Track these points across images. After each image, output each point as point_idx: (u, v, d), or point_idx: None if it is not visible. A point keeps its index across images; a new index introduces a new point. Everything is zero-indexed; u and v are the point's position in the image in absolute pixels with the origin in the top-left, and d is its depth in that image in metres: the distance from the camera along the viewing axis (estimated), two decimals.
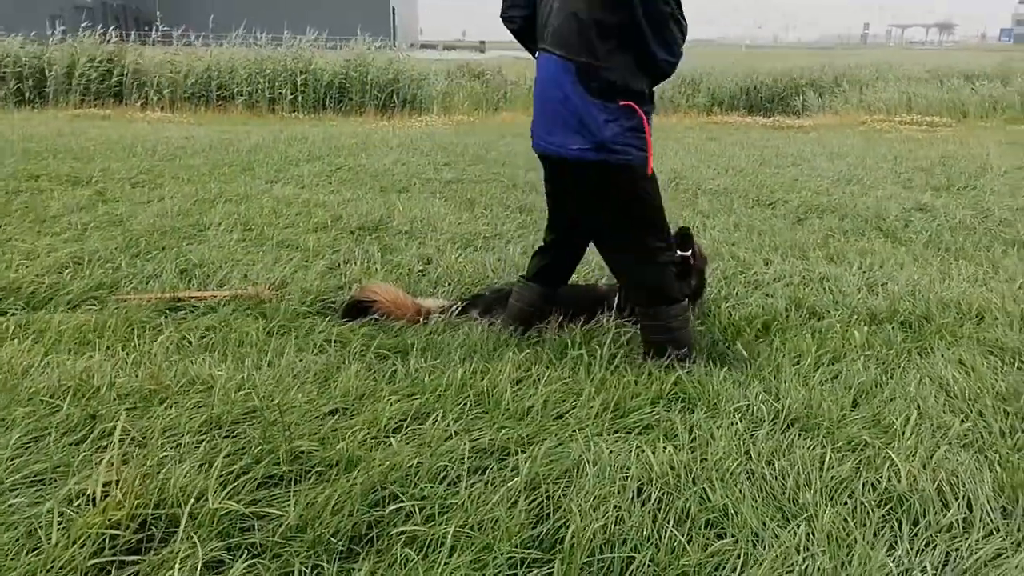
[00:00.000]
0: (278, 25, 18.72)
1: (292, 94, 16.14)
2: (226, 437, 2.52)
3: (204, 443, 2.46)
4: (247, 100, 16.07)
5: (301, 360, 3.13)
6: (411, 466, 2.34)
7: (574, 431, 2.60)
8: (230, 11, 29.39)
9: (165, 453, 2.37)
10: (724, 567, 1.98)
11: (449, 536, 2.02)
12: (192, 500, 2.08)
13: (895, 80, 19.61)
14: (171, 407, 2.69)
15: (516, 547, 2.03)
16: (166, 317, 3.64)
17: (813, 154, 9.78)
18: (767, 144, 11.14)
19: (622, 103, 2.95)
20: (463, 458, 2.38)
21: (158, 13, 21.78)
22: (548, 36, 3.02)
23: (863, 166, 8.66)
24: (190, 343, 3.33)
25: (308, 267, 4.40)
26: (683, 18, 2.98)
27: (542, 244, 3.52)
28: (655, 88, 3.12)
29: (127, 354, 3.14)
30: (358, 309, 3.65)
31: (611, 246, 3.27)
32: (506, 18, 3.27)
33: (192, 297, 3.88)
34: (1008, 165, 8.67)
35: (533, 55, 3.24)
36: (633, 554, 2.01)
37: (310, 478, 2.31)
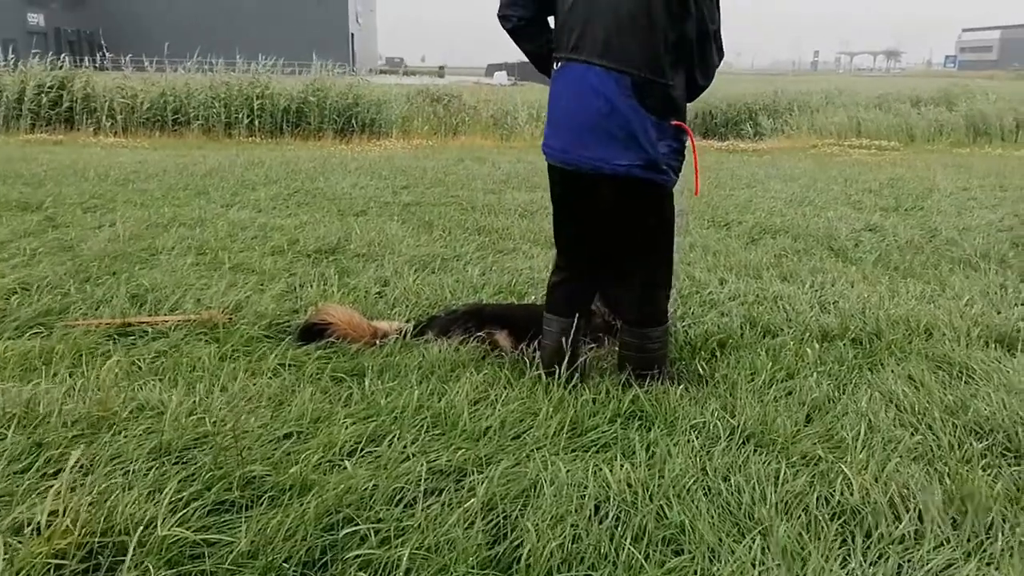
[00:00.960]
0: (235, 51, 18.61)
1: (249, 118, 16.01)
2: (176, 463, 2.47)
3: (153, 470, 2.40)
4: (203, 125, 15.90)
5: (255, 384, 3.08)
6: (366, 489, 2.31)
7: (532, 451, 2.59)
8: (185, 37, 29.22)
9: (113, 480, 2.31)
10: None
11: (405, 559, 1.99)
12: (141, 528, 2.03)
13: (844, 105, 20.13)
14: (120, 434, 2.62)
15: (473, 568, 2.01)
16: (115, 343, 3.56)
17: (766, 176, 9.97)
18: (722, 167, 11.33)
19: (674, 122, 2.92)
20: (419, 480, 2.36)
21: (102, 42, 21.56)
22: (587, 45, 2.86)
23: (814, 188, 8.85)
24: (140, 369, 3.25)
25: (263, 291, 4.34)
26: (722, 43, 2.95)
27: (556, 277, 3.32)
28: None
29: (75, 381, 3.06)
30: (314, 332, 3.61)
31: (624, 266, 3.19)
32: (502, 16, 3.11)
33: (143, 322, 3.80)
34: (953, 187, 8.92)
35: (529, 54, 3.16)
36: (591, 572, 2.01)
37: (262, 503, 2.26)
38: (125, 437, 2.59)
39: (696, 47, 2.86)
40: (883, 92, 21.98)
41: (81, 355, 3.35)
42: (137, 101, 15.91)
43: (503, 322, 3.63)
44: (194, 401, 2.87)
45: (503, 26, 3.15)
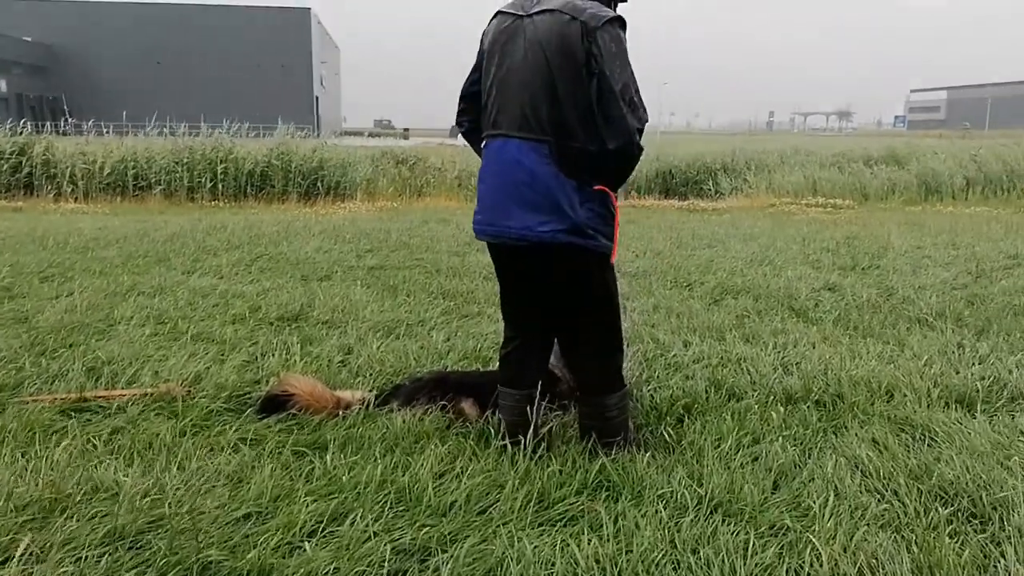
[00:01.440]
0: (198, 116, 18.68)
1: (212, 182, 15.99)
2: (130, 549, 2.38)
3: (106, 556, 2.32)
4: (165, 189, 15.84)
5: (213, 462, 3.00)
6: (327, 572, 2.24)
7: (498, 526, 2.55)
8: (149, 102, 29.28)
9: (64, 569, 2.22)
10: None
11: None
12: None
13: (800, 164, 20.67)
14: (72, 518, 2.53)
15: None
16: (71, 419, 3.45)
17: (727, 236, 10.13)
18: (683, 226, 11.50)
19: (596, 187, 2.93)
20: (383, 561, 2.30)
21: (65, 107, 21.56)
22: (505, 120, 2.96)
23: (774, 247, 9.00)
24: (95, 447, 3.16)
25: (224, 361, 4.26)
26: (636, 103, 2.86)
27: (507, 348, 3.32)
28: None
29: (27, 461, 2.96)
30: (275, 404, 3.54)
31: (572, 335, 3.21)
32: (458, 123, 3.31)
33: (99, 397, 3.71)
34: (908, 245, 9.14)
35: (479, 153, 3.23)
36: None
37: None
38: (78, 521, 2.50)
39: (599, 108, 2.85)
40: (837, 151, 22.63)
41: (34, 433, 3.24)
42: (97, 166, 15.81)
43: (468, 390, 3.60)
44: (150, 481, 2.78)
45: (459, 131, 3.36)
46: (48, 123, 22.43)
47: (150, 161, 16.09)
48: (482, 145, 3.15)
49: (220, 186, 16.02)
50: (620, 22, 2.90)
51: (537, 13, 2.93)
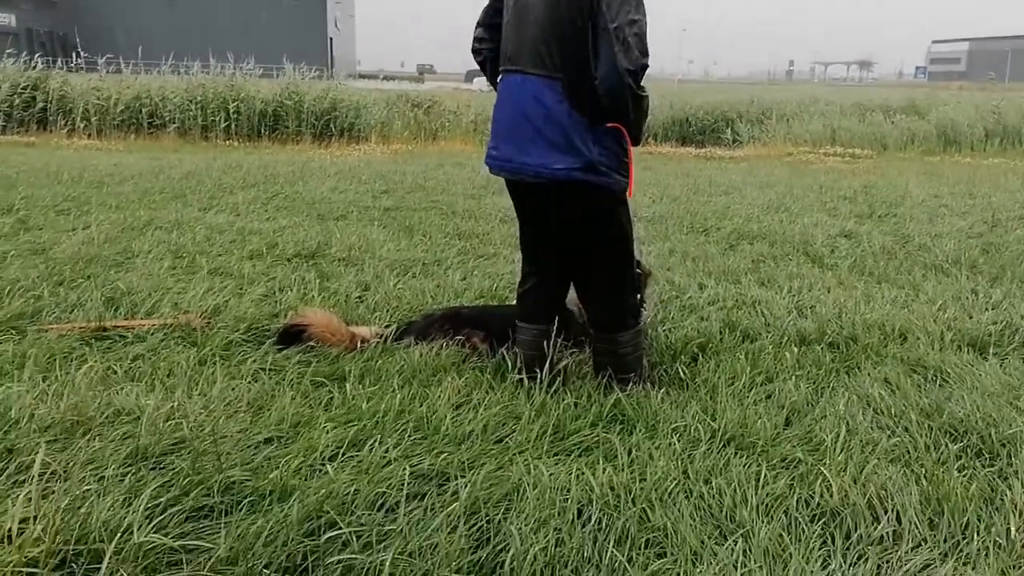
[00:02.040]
0: (210, 55, 18.48)
1: (226, 122, 15.91)
2: (153, 469, 2.44)
3: (129, 475, 2.37)
4: (179, 128, 15.79)
5: (233, 389, 3.05)
6: (348, 493, 2.29)
7: (514, 455, 2.59)
8: (160, 40, 28.96)
9: (88, 487, 2.27)
10: None
11: (387, 563, 1.98)
12: (117, 535, 2.00)
13: (819, 114, 20.35)
14: (94, 439, 2.58)
15: (456, 572, 2.00)
16: (90, 347, 3.51)
17: (743, 183, 10.05)
18: (700, 173, 11.41)
19: (609, 124, 2.92)
20: (402, 484, 2.35)
21: (77, 40, 21.29)
22: (522, 56, 2.94)
23: (791, 195, 8.93)
24: (116, 373, 3.21)
25: (242, 295, 4.30)
26: (622, 41, 2.76)
27: (525, 284, 3.35)
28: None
29: (48, 385, 3.02)
30: (292, 335, 3.59)
31: (587, 272, 3.24)
32: (475, 51, 3.27)
33: (118, 326, 3.76)
34: (925, 194, 9.05)
35: (495, 86, 3.21)
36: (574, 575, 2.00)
37: (242, 509, 2.24)
38: (100, 442, 2.55)
39: (592, 43, 2.82)
40: (856, 101, 22.25)
41: (55, 359, 3.30)
42: (111, 103, 15.74)
43: (481, 324, 3.63)
44: (172, 406, 2.83)
45: (476, 59, 3.31)
46: (59, 59, 22.26)
47: (164, 100, 16.00)
48: (498, 79, 3.12)
49: (234, 126, 15.95)
50: None
51: None
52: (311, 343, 3.53)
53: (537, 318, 3.28)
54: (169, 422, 2.70)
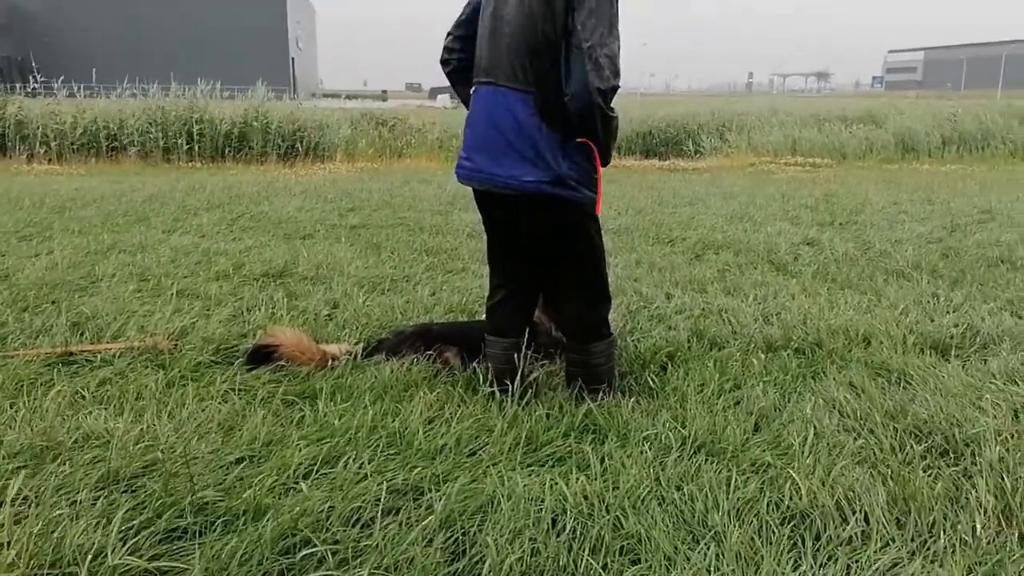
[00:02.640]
0: (170, 77, 18.32)
1: (188, 143, 15.76)
2: (125, 492, 2.41)
3: (102, 499, 2.34)
4: (140, 150, 15.60)
5: (204, 410, 3.03)
6: (322, 510, 2.29)
7: (488, 467, 2.61)
8: (119, 63, 28.65)
9: (60, 511, 2.25)
10: None
11: None
12: (90, 558, 1.98)
13: (779, 125, 20.70)
14: (65, 464, 2.55)
15: None
16: (57, 372, 3.46)
17: (707, 194, 10.19)
18: (664, 185, 11.54)
19: (579, 140, 2.94)
20: (377, 499, 2.36)
21: (34, 64, 20.92)
22: (498, 68, 2.97)
23: (754, 204, 9.08)
24: (84, 398, 3.17)
25: (209, 316, 4.27)
26: (594, 61, 2.78)
27: (491, 300, 3.37)
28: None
29: (15, 411, 2.98)
30: (261, 355, 3.57)
31: (558, 285, 3.26)
32: (444, 60, 3.30)
33: (85, 351, 3.71)
34: (885, 201, 9.25)
35: (463, 99, 3.25)
36: None
37: (216, 529, 2.23)
38: (71, 467, 2.53)
39: (564, 60, 2.86)
40: (815, 111, 22.67)
41: (22, 385, 3.25)
42: (69, 126, 15.53)
43: (452, 340, 3.65)
44: (141, 429, 2.81)
45: (444, 70, 3.32)
46: (17, 84, 21.91)
47: (122, 123, 15.80)
48: (472, 91, 3.15)
49: (196, 147, 15.80)
50: None
51: None
52: (281, 363, 3.52)
53: (507, 331, 3.30)
54: (139, 445, 2.67)
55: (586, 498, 2.40)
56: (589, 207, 3.07)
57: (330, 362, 3.57)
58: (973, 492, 2.46)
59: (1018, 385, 3.36)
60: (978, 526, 2.30)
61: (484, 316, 3.47)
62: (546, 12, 2.85)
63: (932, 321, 4.30)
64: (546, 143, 2.91)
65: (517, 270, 3.31)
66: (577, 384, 3.22)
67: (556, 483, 2.47)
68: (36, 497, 2.34)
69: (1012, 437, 2.83)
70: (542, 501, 2.37)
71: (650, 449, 2.74)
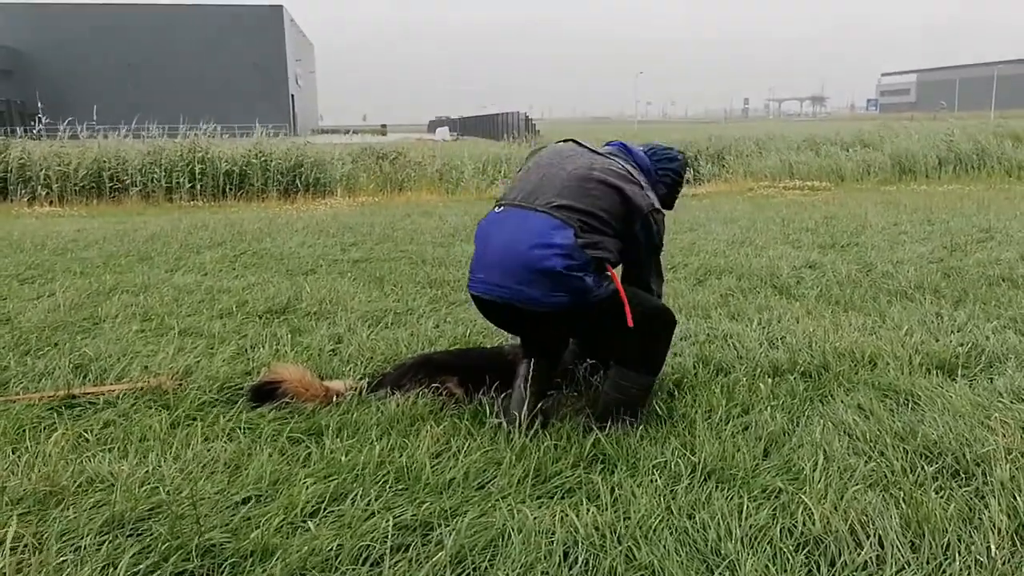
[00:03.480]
0: (173, 118, 18.52)
1: (190, 183, 15.87)
2: (130, 536, 2.39)
3: (107, 543, 2.32)
4: (142, 190, 15.70)
5: (209, 450, 3.01)
6: (331, 549, 2.27)
7: (497, 500, 2.58)
8: (118, 105, 28.95)
9: (64, 557, 2.22)
10: None
11: None
12: None
13: (776, 150, 20.80)
14: (68, 508, 2.53)
15: None
16: (60, 415, 3.44)
17: (708, 219, 10.21)
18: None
19: (609, 270, 3.12)
20: (385, 536, 2.33)
21: (40, 105, 21.16)
22: (538, 197, 3.13)
23: (754, 229, 9.09)
24: (88, 440, 3.15)
25: (213, 354, 4.26)
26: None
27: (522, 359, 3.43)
28: None
29: (18, 456, 2.96)
30: (266, 392, 3.55)
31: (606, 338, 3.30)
32: None
33: (88, 393, 3.70)
34: (885, 222, 9.26)
35: None
36: None
37: (223, 571, 2.20)
38: (75, 512, 2.50)
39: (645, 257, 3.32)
40: (811, 135, 22.79)
41: (24, 430, 3.23)
42: (72, 168, 15.65)
43: (452, 369, 3.63)
44: (146, 471, 2.79)
45: None
46: (19, 127, 22.12)
47: (125, 163, 15.92)
48: (497, 210, 3.28)
49: (199, 186, 15.92)
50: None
51: None
52: (286, 399, 3.50)
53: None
54: (144, 487, 2.66)
55: (597, 529, 2.38)
56: (611, 294, 3.12)
57: (334, 398, 3.55)
58: (986, 512, 2.44)
59: None
60: (992, 547, 2.27)
61: (489, 345, 3.48)
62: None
63: (937, 341, 4.28)
64: (579, 274, 3.08)
65: (537, 344, 3.42)
66: (609, 409, 3.20)
67: (567, 515, 2.45)
68: (39, 543, 2.32)
69: (1022, 456, 2.81)
70: (553, 534, 2.34)
71: (660, 477, 2.72)
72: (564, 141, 3.50)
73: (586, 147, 3.38)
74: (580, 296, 3.02)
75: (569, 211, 3.05)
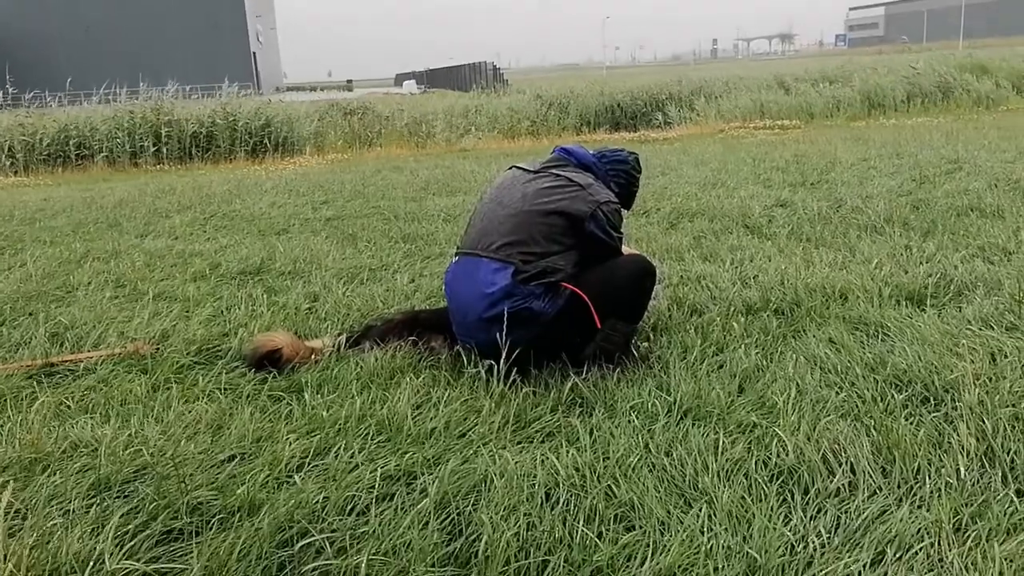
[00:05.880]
0: (134, 81, 18.06)
1: (155, 146, 15.57)
2: (117, 497, 2.41)
3: (95, 506, 2.34)
4: (108, 156, 15.39)
5: (190, 411, 3.02)
6: (317, 501, 2.30)
7: (479, 447, 2.63)
8: (85, 72, 28.21)
9: (54, 521, 2.24)
10: (635, 557, 2.05)
11: (363, 565, 2.00)
12: (88, 564, 1.98)
13: (746, 89, 20.77)
14: (55, 474, 2.54)
15: (432, 567, 2.03)
16: (40, 384, 3.44)
17: (679, 163, 10.22)
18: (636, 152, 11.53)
19: (568, 288, 3.21)
20: (370, 486, 2.37)
21: (8, 76, 20.56)
22: (482, 244, 3.26)
23: (726, 170, 9.11)
24: (69, 407, 3.15)
25: (189, 317, 4.25)
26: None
27: None
28: None
29: (0, 425, 2.96)
30: (271, 360, 3.49)
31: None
32: None
33: (66, 360, 3.68)
34: (854, 158, 9.31)
35: None
36: (547, 557, 2.05)
37: (212, 528, 2.23)
38: (61, 476, 2.52)
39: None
40: (780, 73, 22.76)
41: (5, 399, 3.23)
42: (37, 138, 15.30)
43: (439, 327, 3.64)
44: (129, 434, 2.80)
45: None
46: None
47: (92, 130, 15.57)
48: (454, 260, 3.48)
49: (164, 149, 15.61)
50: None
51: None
52: (285, 365, 3.46)
53: None
54: (128, 450, 2.67)
55: (577, 470, 2.43)
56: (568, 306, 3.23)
57: (312, 356, 3.56)
58: (955, 436, 2.52)
59: (993, 329, 3.43)
60: (962, 469, 2.35)
61: None
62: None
63: (906, 273, 4.36)
64: (535, 305, 3.24)
65: None
66: (606, 357, 3.27)
67: (547, 458, 2.50)
68: (29, 509, 2.34)
69: (991, 380, 2.89)
70: (534, 476, 2.40)
71: (637, 418, 2.78)
72: (509, 169, 3.59)
73: (524, 169, 3.47)
74: (532, 323, 3.15)
75: (511, 247, 3.19)
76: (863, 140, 11.65)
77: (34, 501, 2.37)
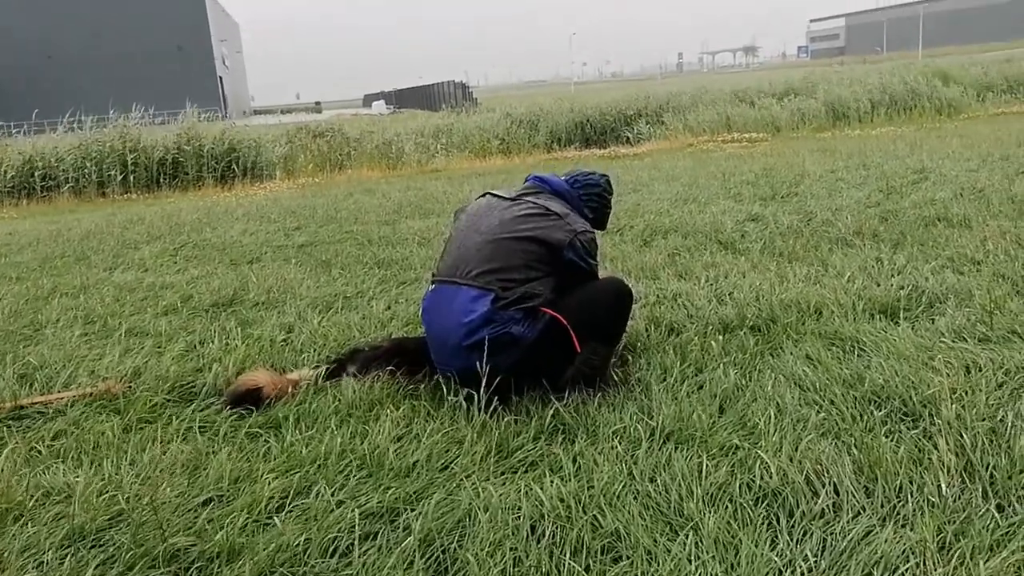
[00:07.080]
0: (98, 108, 17.86)
1: (122, 174, 15.39)
2: (93, 547, 2.35)
3: (69, 557, 2.28)
4: (74, 187, 15.18)
5: (166, 452, 2.96)
6: (298, 544, 2.26)
7: (461, 480, 2.60)
8: (48, 101, 27.91)
9: (28, 574, 2.18)
10: None
11: None
12: None
13: (713, 103, 21.00)
14: (27, 524, 2.48)
15: None
16: (9, 429, 3.35)
17: (650, 179, 10.28)
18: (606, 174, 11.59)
19: (547, 313, 3.20)
20: (353, 526, 2.33)
21: None
22: (460, 271, 3.26)
23: (696, 185, 9.18)
24: (40, 453, 3.08)
25: (161, 353, 4.18)
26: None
27: None
28: None
29: None
30: (251, 399, 3.43)
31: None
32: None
33: (36, 402, 3.60)
34: (822, 170, 9.43)
35: None
36: None
37: (191, 575, 2.18)
38: (34, 526, 2.45)
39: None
40: (746, 87, 23.05)
41: None
42: (1, 170, 15.05)
43: (425, 356, 3.59)
44: (103, 479, 2.74)
45: None
46: None
47: (59, 160, 15.36)
48: (431, 288, 3.46)
49: (131, 178, 15.44)
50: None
51: None
52: (266, 402, 3.41)
53: None
54: (103, 496, 2.61)
55: (562, 500, 2.41)
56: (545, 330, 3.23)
57: (290, 389, 3.51)
58: (935, 452, 2.53)
59: (967, 341, 3.47)
60: (943, 485, 2.36)
61: None
62: None
63: (878, 286, 4.40)
64: (515, 331, 3.23)
65: None
66: (581, 386, 3.25)
67: (531, 489, 2.48)
68: (2, 561, 2.27)
69: (967, 394, 2.92)
70: (519, 509, 2.37)
71: (620, 444, 2.77)
72: (483, 195, 3.60)
73: (500, 196, 3.49)
74: (512, 348, 3.14)
75: (490, 274, 3.19)
76: (830, 151, 11.81)
77: (7, 553, 2.31)
